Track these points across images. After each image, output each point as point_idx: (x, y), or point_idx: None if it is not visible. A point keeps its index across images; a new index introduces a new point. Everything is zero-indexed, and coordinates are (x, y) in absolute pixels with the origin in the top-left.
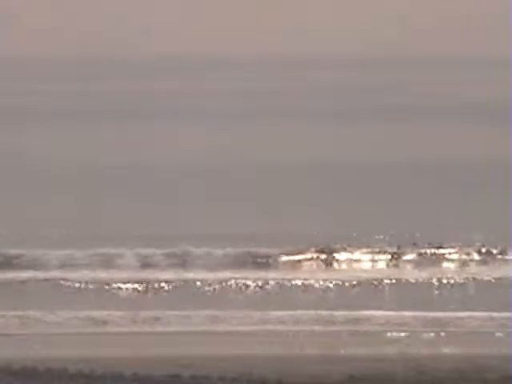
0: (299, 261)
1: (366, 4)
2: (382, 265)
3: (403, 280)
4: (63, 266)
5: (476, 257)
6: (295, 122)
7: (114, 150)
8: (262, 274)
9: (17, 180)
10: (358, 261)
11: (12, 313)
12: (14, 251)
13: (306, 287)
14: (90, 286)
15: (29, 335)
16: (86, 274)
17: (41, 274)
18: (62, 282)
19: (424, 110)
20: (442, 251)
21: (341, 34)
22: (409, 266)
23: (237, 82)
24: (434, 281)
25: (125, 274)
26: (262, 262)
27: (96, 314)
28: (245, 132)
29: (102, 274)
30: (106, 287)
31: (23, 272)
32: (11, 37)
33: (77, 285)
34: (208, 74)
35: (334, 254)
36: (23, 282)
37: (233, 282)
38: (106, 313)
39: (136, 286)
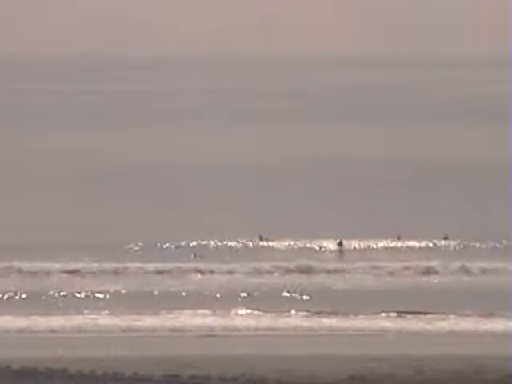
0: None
1: (367, 4)
2: None
3: None
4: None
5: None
6: (295, 122)
7: (114, 149)
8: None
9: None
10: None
11: None
12: None
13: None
14: None
15: (29, 336)
16: None
17: None
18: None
19: (424, 110)
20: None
21: (341, 34)
22: None
23: (237, 81)
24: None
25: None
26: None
27: None
28: (245, 132)
29: None
30: None
31: None
32: (11, 37)
33: None
34: (208, 73)
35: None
36: None
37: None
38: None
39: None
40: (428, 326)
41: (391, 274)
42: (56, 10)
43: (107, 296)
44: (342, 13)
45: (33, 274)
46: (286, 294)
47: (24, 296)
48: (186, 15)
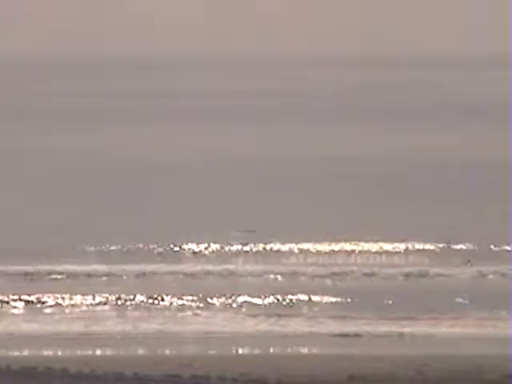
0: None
1: (367, 4)
2: None
3: None
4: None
5: None
6: (295, 122)
7: (114, 149)
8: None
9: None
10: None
11: None
12: None
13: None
14: None
15: (30, 335)
16: None
17: None
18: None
19: (424, 110)
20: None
21: (341, 34)
22: None
23: (237, 81)
24: None
25: None
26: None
27: None
28: (245, 132)
29: None
30: None
31: None
32: (11, 37)
33: None
34: (208, 74)
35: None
36: None
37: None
38: None
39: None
40: (428, 327)
41: (392, 277)
42: (56, 10)
43: (107, 296)
44: (342, 13)
45: (34, 275)
46: (286, 294)
47: (27, 298)
48: (186, 15)
